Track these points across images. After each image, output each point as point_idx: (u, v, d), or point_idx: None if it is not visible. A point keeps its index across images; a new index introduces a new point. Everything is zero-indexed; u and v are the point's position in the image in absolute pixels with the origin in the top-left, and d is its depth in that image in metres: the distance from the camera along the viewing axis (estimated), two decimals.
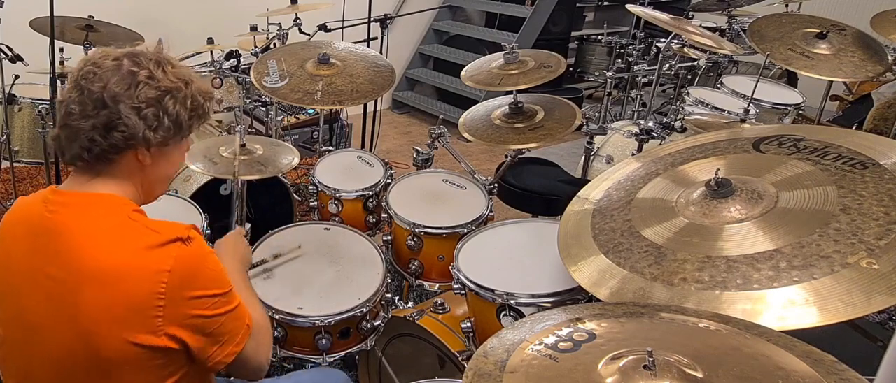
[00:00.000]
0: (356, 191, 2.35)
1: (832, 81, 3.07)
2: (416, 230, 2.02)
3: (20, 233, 1.14)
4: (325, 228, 2.04)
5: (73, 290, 1.05)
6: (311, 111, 4.11)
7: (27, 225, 1.13)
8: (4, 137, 3.00)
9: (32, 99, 3.01)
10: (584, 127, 2.22)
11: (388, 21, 3.52)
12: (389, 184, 2.32)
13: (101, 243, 1.06)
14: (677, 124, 2.54)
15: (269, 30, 3.61)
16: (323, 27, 3.48)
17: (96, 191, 1.12)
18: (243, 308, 1.16)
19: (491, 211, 2.10)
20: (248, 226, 2.02)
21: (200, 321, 1.08)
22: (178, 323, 1.06)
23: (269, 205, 2.82)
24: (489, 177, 2.29)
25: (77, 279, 1.05)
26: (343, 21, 3.63)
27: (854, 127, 3.73)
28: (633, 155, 2.19)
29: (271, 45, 3.33)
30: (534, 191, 2.77)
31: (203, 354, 1.10)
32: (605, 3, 6.28)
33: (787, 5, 4.20)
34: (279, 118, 3.67)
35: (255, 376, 1.23)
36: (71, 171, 1.18)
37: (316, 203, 2.45)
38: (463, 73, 2.33)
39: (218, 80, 3.22)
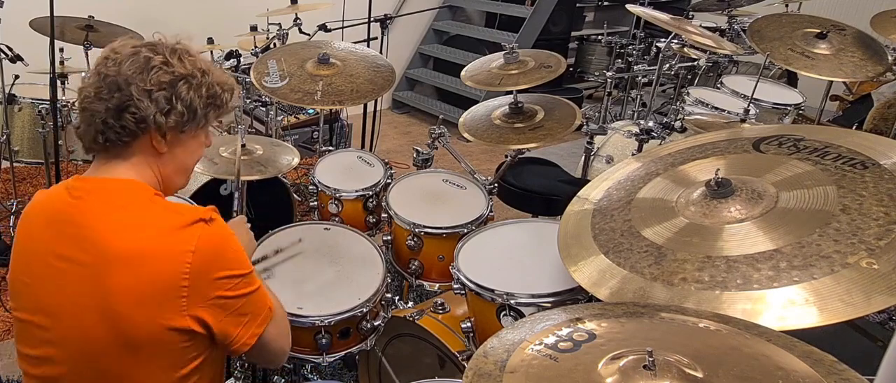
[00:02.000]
0: (356, 191, 2.35)
1: (832, 81, 3.07)
2: (416, 230, 2.02)
3: (41, 223, 1.16)
4: (325, 228, 2.04)
5: (101, 273, 1.06)
6: (311, 111, 4.11)
7: (49, 214, 1.15)
8: (4, 137, 3.00)
9: (32, 99, 3.02)
10: (584, 127, 2.22)
11: (388, 21, 3.53)
12: (389, 184, 2.32)
13: (127, 226, 1.08)
14: (677, 124, 2.54)
15: (269, 30, 3.61)
16: (323, 27, 3.48)
17: (116, 176, 1.14)
18: (264, 291, 1.18)
19: (491, 211, 2.10)
20: (248, 225, 2.02)
21: (224, 301, 1.09)
22: (202, 303, 1.07)
23: (269, 205, 2.82)
24: (489, 177, 2.29)
25: (104, 262, 1.06)
26: (343, 21, 3.64)
27: (854, 127, 3.73)
28: (633, 155, 2.19)
29: (271, 45, 3.34)
30: (534, 191, 2.77)
31: (227, 337, 1.11)
32: (605, 3, 6.28)
33: (787, 5, 4.21)
34: (279, 118, 3.67)
35: (277, 361, 1.25)
36: (90, 162, 1.20)
37: (316, 203, 2.45)
38: (463, 73, 2.33)
39: None
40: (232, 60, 3.54)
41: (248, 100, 3.45)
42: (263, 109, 3.55)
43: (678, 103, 3.03)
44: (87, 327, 1.08)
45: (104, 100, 1.10)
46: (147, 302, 1.05)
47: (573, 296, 1.50)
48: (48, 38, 2.53)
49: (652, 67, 3.52)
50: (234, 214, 1.96)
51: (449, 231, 2.01)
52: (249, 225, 1.72)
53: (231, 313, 1.10)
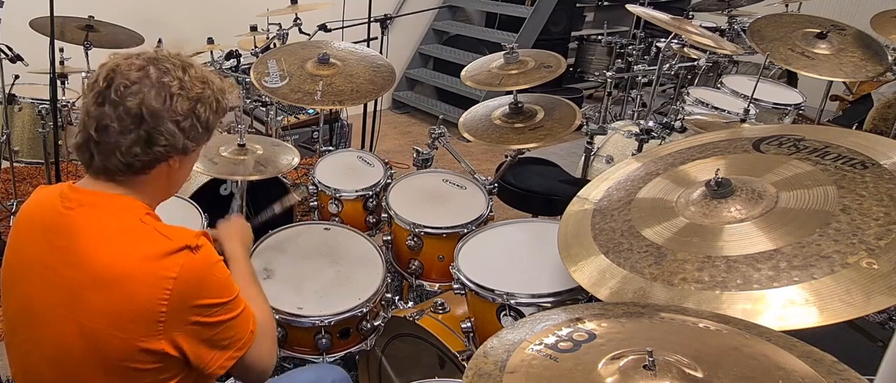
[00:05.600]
0: (356, 191, 2.35)
1: (832, 81, 3.07)
2: (416, 230, 2.02)
3: (36, 227, 1.15)
4: (325, 228, 2.04)
5: (80, 289, 1.06)
6: (311, 111, 4.11)
7: (43, 219, 1.14)
8: (4, 137, 3.00)
9: (32, 99, 3.01)
10: (584, 127, 2.22)
11: (388, 21, 3.52)
12: (389, 184, 2.32)
13: (112, 246, 1.07)
14: (677, 124, 2.54)
15: (269, 30, 3.61)
16: (323, 27, 3.47)
17: (111, 191, 1.13)
18: (248, 313, 1.16)
19: (491, 211, 2.10)
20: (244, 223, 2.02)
21: (201, 328, 1.08)
22: (179, 328, 1.06)
23: (270, 205, 2.82)
24: (489, 178, 2.29)
25: (84, 278, 1.06)
26: (343, 21, 3.63)
27: (854, 127, 3.73)
28: (633, 155, 2.19)
29: (271, 45, 3.33)
30: (534, 191, 2.77)
31: (201, 361, 1.10)
32: (605, 3, 6.28)
33: (787, 5, 4.20)
34: (279, 118, 3.67)
35: (259, 379, 1.23)
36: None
37: (316, 203, 2.45)
38: (463, 73, 2.33)
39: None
40: (232, 60, 3.54)
41: (248, 101, 3.44)
42: (263, 109, 3.54)
43: (678, 103, 3.03)
44: (63, 339, 1.09)
45: (130, 132, 1.08)
46: (121, 322, 1.04)
47: (573, 296, 1.50)
48: (48, 38, 2.53)
49: (652, 67, 3.51)
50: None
51: (449, 231, 2.01)
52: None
53: (207, 339, 1.10)
